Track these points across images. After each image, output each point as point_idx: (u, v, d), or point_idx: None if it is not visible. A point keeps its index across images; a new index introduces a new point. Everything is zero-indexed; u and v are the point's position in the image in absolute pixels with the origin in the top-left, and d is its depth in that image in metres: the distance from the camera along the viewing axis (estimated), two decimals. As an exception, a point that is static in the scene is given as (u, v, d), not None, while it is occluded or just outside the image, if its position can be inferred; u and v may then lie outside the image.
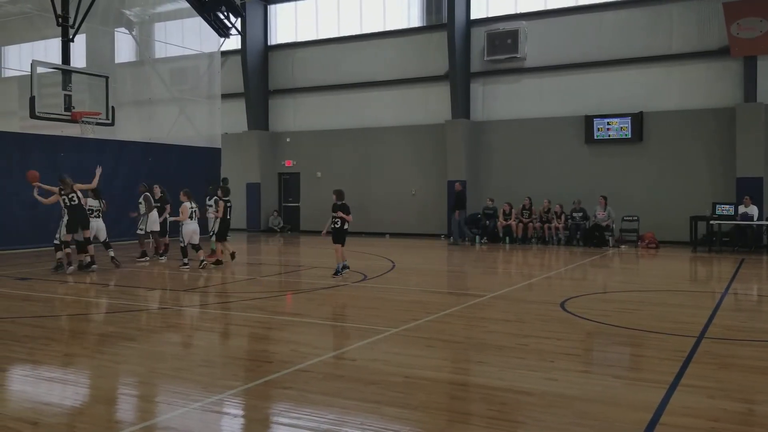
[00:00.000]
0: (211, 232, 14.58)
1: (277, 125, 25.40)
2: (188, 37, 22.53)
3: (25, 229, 16.39)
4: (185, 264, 13.34)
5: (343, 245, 12.11)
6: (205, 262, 13.24)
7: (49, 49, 17.98)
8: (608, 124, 19.59)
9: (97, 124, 15.44)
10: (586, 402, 5.09)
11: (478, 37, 21.34)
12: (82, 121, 14.94)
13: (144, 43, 22.15)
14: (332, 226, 12.06)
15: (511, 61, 20.83)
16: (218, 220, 13.88)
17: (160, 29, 22.87)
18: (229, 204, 14.09)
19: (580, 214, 19.01)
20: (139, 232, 14.57)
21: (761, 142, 17.87)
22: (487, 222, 20.24)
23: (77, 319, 8.62)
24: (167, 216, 14.51)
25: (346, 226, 12.07)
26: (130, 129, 19.72)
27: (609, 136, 19.62)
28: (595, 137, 19.78)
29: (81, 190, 12.78)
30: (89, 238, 12.82)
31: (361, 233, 22.99)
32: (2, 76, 19.86)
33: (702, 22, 18.65)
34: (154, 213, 14.46)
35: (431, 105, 22.10)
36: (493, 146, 21.39)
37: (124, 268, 13.35)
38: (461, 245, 19.33)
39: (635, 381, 5.77)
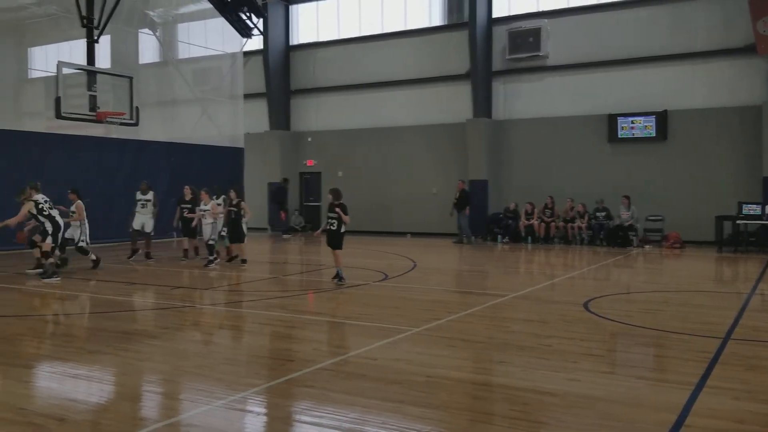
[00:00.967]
0: (222, 233, 14.59)
1: (298, 125, 25.50)
2: (211, 37, 22.68)
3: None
4: (211, 261, 13.41)
5: (340, 249, 11.16)
6: (214, 262, 13.47)
7: (74, 50, 18.22)
8: (632, 122, 19.38)
9: (121, 124, 15.60)
10: (610, 403, 5.04)
11: (500, 36, 21.23)
12: (107, 121, 15.10)
13: (167, 43, 22.36)
14: (328, 227, 11.17)
15: (533, 59, 20.70)
16: (219, 221, 13.90)
17: (183, 30, 23.06)
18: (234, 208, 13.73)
19: (604, 214, 18.84)
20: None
21: (789, 140, 17.57)
22: (509, 222, 20.14)
23: (102, 317, 8.73)
24: (201, 216, 14.20)
25: (342, 229, 11.06)
26: (153, 129, 19.89)
27: (633, 134, 19.41)
28: (619, 136, 19.57)
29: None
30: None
31: (381, 233, 23.03)
32: (29, 77, 20.16)
33: (727, 20, 18.36)
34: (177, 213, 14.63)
35: (452, 104, 22.03)
36: (515, 145, 21.27)
37: (148, 267, 13.49)
38: (470, 244, 19.28)
39: (659, 382, 5.70)
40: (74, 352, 6.79)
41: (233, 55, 23.09)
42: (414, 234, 22.25)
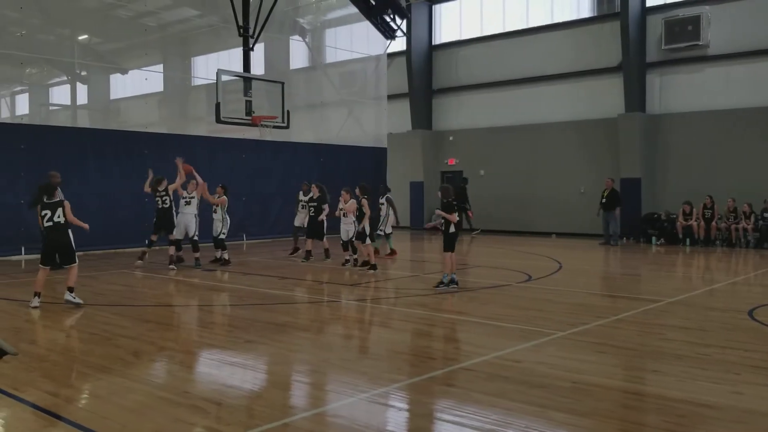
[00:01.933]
0: (380, 230, 14.97)
1: (440, 124, 25.58)
2: (356, 41, 23.34)
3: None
4: (348, 261, 13.53)
5: (451, 251, 10.36)
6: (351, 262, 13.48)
7: (232, 59, 19.41)
8: (807, 114, 17.58)
9: (274, 127, 16.42)
10: (780, 421, 4.60)
11: (655, 25, 20.04)
12: (261, 125, 15.95)
13: (316, 49, 23.27)
14: (445, 230, 10.39)
15: (691, 49, 19.33)
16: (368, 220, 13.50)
17: (331, 35, 23.89)
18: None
19: (773, 214, 17.24)
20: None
21: None
22: (665, 223, 18.96)
23: (257, 309, 9.24)
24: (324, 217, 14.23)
25: (451, 229, 10.33)
26: (303, 131, 20.81)
27: (808, 127, 17.60)
28: (791, 129, 17.82)
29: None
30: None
31: (525, 233, 22.55)
32: (192, 84, 21.75)
33: None
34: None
35: (602, 98, 21.10)
36: (671, 141, 19.98)
37: (292, 264, 14.10)
38: (616, 245, 18.31)
39: (841, 402, 5.12)
40: (232, 341, 7.24)
41: (377, 57, 23.60)
42: (559, 234, 21.58)
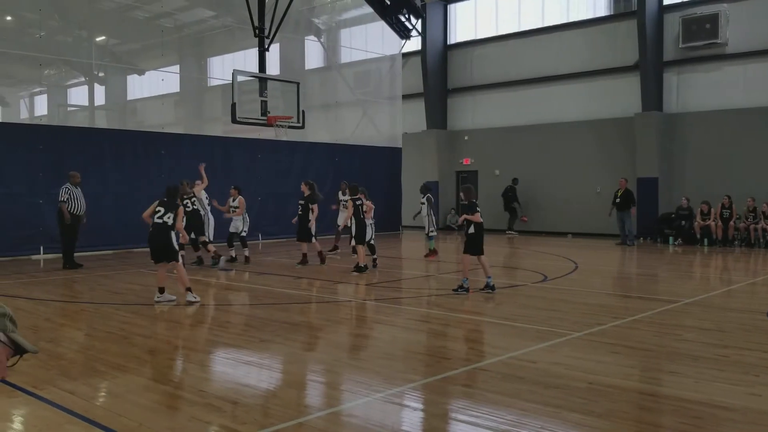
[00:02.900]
0: (433, 228, 15.10)
1: (455, 124, 25.53)
2: (371, 41, 23.36)
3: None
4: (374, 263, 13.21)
5: (477, 254, 10.01)
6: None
7: (248, 59, 19.51)
8: (827, 112, 17.34)
9: (290, 127, 16.48)
10: (800, 424, 4.54)
11: (672, 24, 19.87)
12: (277, 125, 16.02)
13: (331, 49, 23.32)
14: (466, 231, 10.08)
15: (709, 47, 19.14)
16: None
17: (346, 35, 23.93)
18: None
19: (792, 214, 17.03)
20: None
21: None
22: (683, 222, 18.79)
23: (272, 308, 9.28)
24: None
25: (471, 229, 9.97)
26: (318, 131, 20.88)
27: (828, 126, 17.36)
28: (811, 128, 17.59)
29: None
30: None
31: (540, 232, 22.45)
32: (208, 85, 21.88)
33: None
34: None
35: (619, 97, 20.95)
36: (689, 140, 19.79)
37: (312, 265, 14.14)
38: (632, 245, 18.18)
39: None
40: (248, 340, 7.28)
41: (392, 57, 23.61)
42: (575, 234, 21.46)
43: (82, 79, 20.30)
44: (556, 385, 5.40)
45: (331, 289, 11.20)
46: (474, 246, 9.96)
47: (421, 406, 5.21)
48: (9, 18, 18.03)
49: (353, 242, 13.03)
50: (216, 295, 10.68)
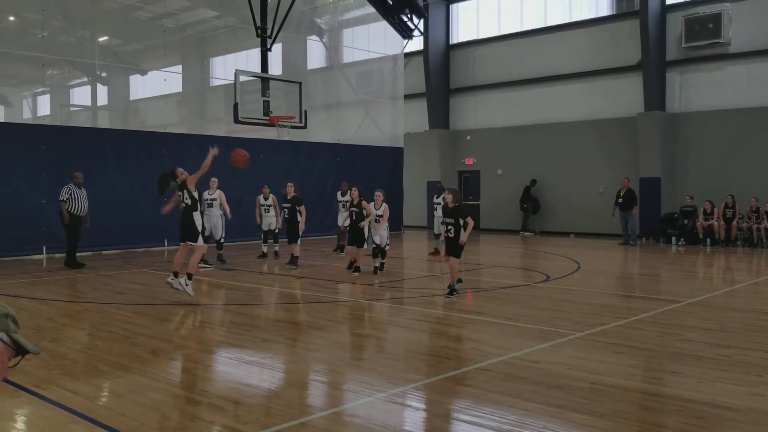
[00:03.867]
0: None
1: (457, 123, 25.52)
2: (373, 41, 23.36)
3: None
4: (378, 268, 12.51)
5: (458, 258, 9.68)
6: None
7: (250, 59, 19.50)
8: (831, 112, 17.30)
9: (292, 127, 16.48)
10: (803, 424, 4.53)
11: (675, 23, 19.84)
12: (279, 125, 16.02)
13: (333, 49, 23.32)
14: (446, 234, 9.78)
15: (712, 47, 19.11)
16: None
17: (348, 35, 23.92)
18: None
19: (795, 214, 16.99)
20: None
21: None
22: (686, 221, 18.78)
23: (274, 308, 9.28)
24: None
25: (463, 236, 9.57)
26: (320, 131, 20.87)
27: (832, 125, 17.32)
28: (815, 127, 17.55)
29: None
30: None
31: (543, 232, 22.44)
32: (210, 85, 21.89)
33: None
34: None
35: (622, 97, 20.93)
36: (692, 140, 19.76)
37: (314, 264, 14.14)
38: (635, 245, 18.17)
39: None
40: (250, 340, 7.28)
41: (394, 56, 23.61)
42: (578, 234, 21.45)
43: (85, 79, 20.32)
44: (558, 385, 5.40)
45: (332, 288, 11.20)
46: (459, 250, 9.62)
47: (423, 406, 5.20)
48: (12, 18, 18.06)
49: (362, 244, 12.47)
50: (217, 295, 10.69)
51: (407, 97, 24.17)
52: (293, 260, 13.29)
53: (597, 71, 21.43)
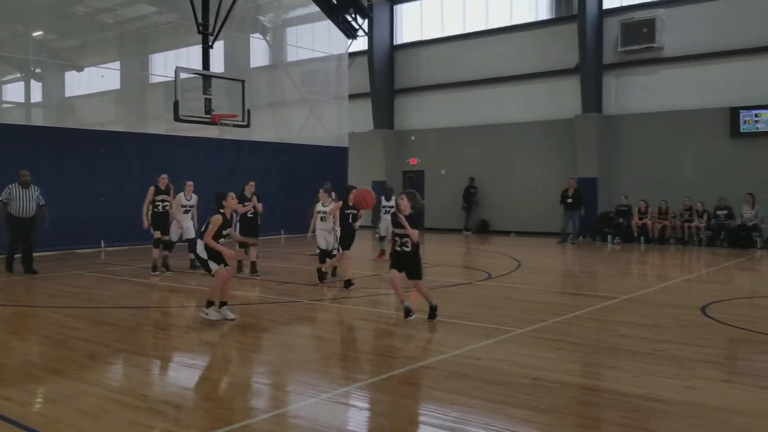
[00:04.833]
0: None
1: (401, 124, 25.66)
2: (318, 40, 23.26)
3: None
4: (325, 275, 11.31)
5: (420, 279, 8.04)
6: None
7: (191, 56, 19.14)
8: (756, 116, 18.11)
9: (234, 126, 16.27)
10: (730, 413, 4.74)
11: (611, 28, 20.44)
12: (221, 123, 15.79)
13: (277, 47, 23.11)
14: (398, 248, 7.91)
15: (647, 51, 19.77)
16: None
17: (292, 34, 23.77)
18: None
19: (725, 213, 17.72)
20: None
21: None
22: (621, 220, 19.37)
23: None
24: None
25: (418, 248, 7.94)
26: (264, 130, 20.65)
27: (757, 129, 18.12)
28: (742, 130, 18.33)
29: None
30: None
31: (484, 231, 22.77)
32: (150, 82, 21.40)
33: None
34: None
35: (560, 99, 21.44)
36: (627, 141, 20.40)
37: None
38: (574, 244, 18.68)
39: (787, 394, 5.30)
40: (192, 342, 7.15)
41: (339, 56, 23.57)
42: (518, 233, 21.86)
43: (18, 75, 19.59)
44: (500, 381, 5.49)
45: (278, 289, 11.10)
46: (419, 267, 8.01)
47: (367, 405, 5.21)
48: (-62, 9, 17.26)
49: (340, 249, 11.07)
50: (159, 298, 10.45)
51: (352, 96, 24.16)
52: (254, 267, 12.35)
53: (538, 74, 21.88)
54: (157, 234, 12.28)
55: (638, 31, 19.65)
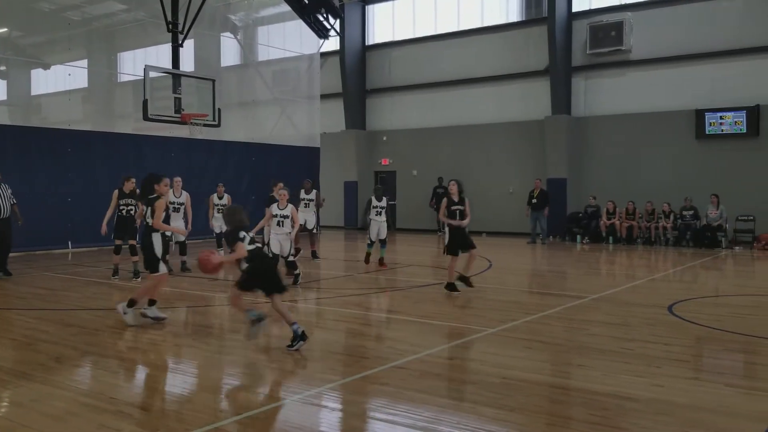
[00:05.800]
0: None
1: (374, 124, 25.67)
2: (289, 39, 23.14)
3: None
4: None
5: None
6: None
7: (161, 55, 18.90)
8: (721, 118, 18.49)
9: (205, 125, 16.11)
10: (696, 410, 4.83)
11: (580, 30, 20.70)
12: (191, 123, 15.62)
13: (248, 46, 22.95)
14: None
15: (615, 53, 20.07)
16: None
17: (263, 33, 23.61)
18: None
19: (691, 213, 18.07)
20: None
21: None
22: (590, 221, 19.63)
23: (187, 312, 9.04)
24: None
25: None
26: (234, 130, 20.49)
27: (722, 131, 18.51)
28: (707, 132, 18.71)
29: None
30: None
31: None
32: (118, 80, 21.09)
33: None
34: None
35: (530, 101, 21.65)
36: (596, 143, 20.69)
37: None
38: (544, 244, 18.91)
39: (750, 390, 5.43)
40: (161, 344, 7.06)
41: (310, 56, 23.48)
42: (489, 233, 22.00)
43: (-18, 72, 19.19)
44: (471, 380, 5.53)
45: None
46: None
47: (339, 406, 5.20)
48: None
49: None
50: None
51: (324, 97, 24.09)
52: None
53: (509, 75, 22.05)
54: (118, 242, 11.81)
55: (606, 33, 19.93)
